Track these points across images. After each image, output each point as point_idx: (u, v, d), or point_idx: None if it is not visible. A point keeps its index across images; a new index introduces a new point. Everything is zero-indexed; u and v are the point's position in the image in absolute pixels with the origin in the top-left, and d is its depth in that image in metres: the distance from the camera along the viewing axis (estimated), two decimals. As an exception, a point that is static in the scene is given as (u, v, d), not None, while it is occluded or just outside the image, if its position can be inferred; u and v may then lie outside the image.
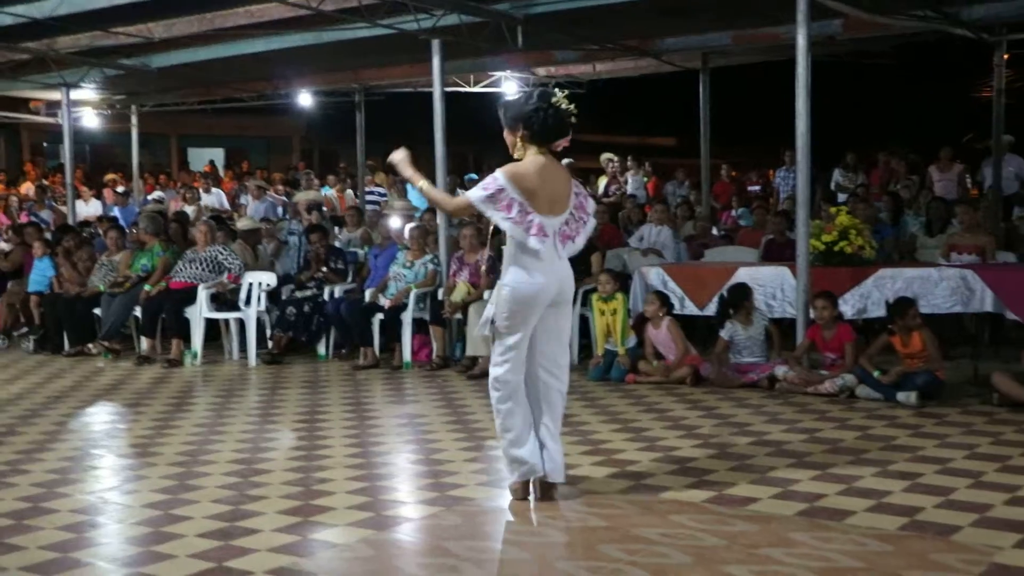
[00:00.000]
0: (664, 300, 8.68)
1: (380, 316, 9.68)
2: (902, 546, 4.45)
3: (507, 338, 5.13)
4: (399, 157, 5.37)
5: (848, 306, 8.37)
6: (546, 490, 5.22)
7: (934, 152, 14.53)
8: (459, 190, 16.47)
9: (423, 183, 5.26)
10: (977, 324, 9.40)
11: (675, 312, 8.98)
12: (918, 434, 6.55)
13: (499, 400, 5.21)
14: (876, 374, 7.61)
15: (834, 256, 8.63)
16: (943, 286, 8.28)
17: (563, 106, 5.07)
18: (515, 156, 5.18)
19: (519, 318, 5.08)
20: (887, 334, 7.80)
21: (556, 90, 5.21)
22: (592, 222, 5.35)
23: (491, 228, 5.51)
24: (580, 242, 5.24)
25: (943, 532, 4.61)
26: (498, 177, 5.00)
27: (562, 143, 5.13)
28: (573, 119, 5.11)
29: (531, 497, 5.20)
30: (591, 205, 5.37)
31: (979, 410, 7.19)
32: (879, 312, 8.23)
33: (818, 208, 11.21)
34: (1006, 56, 12.79)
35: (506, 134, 5.21)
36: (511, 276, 5.09)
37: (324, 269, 10.58)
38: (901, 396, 7.41)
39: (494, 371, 5.22)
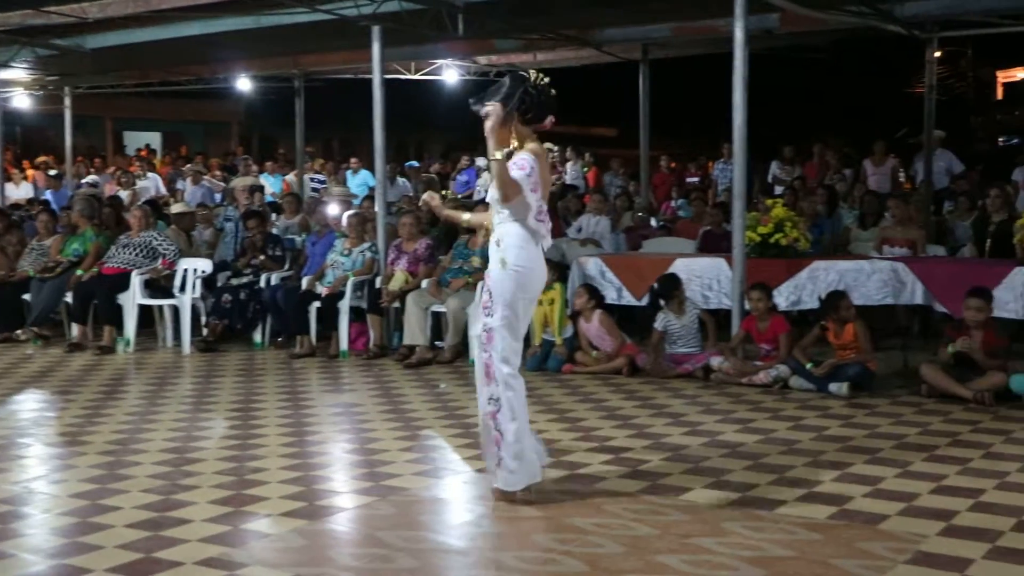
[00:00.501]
0: (593, 293, 8.71)
1: (317, 304, 9.60)
2: (831, 535, 4.52)
3: (513, 328, 4.95)
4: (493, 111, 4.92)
5: (782, 298, 8.47)
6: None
7: (869, 146, 14.75)
8: (399, 178, 16.41)
9: (500, 155, 4.88)
10: (908, 316, 9.56)
11: (613, 303, 9.02)
12: (849, 424, 6.65)
13: (515, 399, 4.95)
14: (809, 366, 7.71)
15: (769, 248, 8.72)
16: (875, 278, 8.41)
17: (541, 83, 5.01)
18: (505, 147, 4.96)
19: (523, 304, 4.97)
20: (820, 329, 7.91)
21: (524, 72, 5.06)
22: None
23: (489, 211, 5.21)
24: None
25: (871, 521, 4.69)
26: (528, 158, 4.89)
27: (552, 120, 5.04)
28: (553, 91, 5.04)
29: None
30: None
31: (908, 401, 7.32)
32: (813, 304, 8.34)
33: (755, 200, 11.33)
34: (937, 53, 13.00)
35: (496, 127, 4.91)
36: (519, 259, 4.93)
37: (261, 256, 10.48)
38: (833, 387, 7.52)
39: (504, 367, 4.95)
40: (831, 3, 9.93)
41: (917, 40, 12.23)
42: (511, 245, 4.95)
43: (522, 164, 4.90)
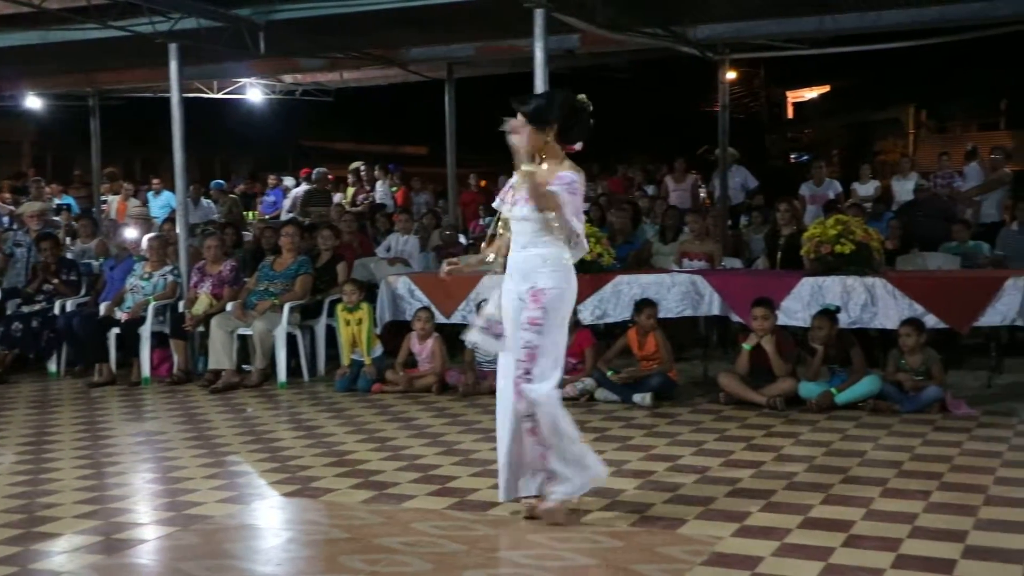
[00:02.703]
0: (434, 316, 8.71)
1: (116, 330, 9.27)
2: (632, 541, 4.64)
3: (551, 346, 4.85)
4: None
5: (587, 312, 8.65)
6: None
7: (671, 163, 15.26)
8: (203, 199, 15.98)
9: (531, 167, 4.82)
10: (707, 327, 9.93)
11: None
12: (652, 434, 6.85)
13: (554, 416, 4.80)
14: (610, 373, 7.91)
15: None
16: (675, 291, 8.66)
17: (589, 108, 4.98)
18: (523, 154, 4.85)
19: (560, 323, 4.90)
20: (631, 324, 8.13)
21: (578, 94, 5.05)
22: None
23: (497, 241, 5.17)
24: None
25: (670, 525, 4.84)
26: (578, 178, 4.81)
27: (581, 146, 5.01)
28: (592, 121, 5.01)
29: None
30: None
31: (707, 408, 7.61)
32: (617, 317, 8.56)
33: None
34: (732, 74, 13.61)
35: (531, 132, 4.84)
36: (562, 279, 4.89)
37: (55, 280, 10.03)
38: (637, 397, 7.74)
39: (543, 387, 4.79)
40: (628, 25, 10.26)
41: (710, 61, 12.76)
42: (552, 269, 4.88)
43: (574, 187, 4.78)
